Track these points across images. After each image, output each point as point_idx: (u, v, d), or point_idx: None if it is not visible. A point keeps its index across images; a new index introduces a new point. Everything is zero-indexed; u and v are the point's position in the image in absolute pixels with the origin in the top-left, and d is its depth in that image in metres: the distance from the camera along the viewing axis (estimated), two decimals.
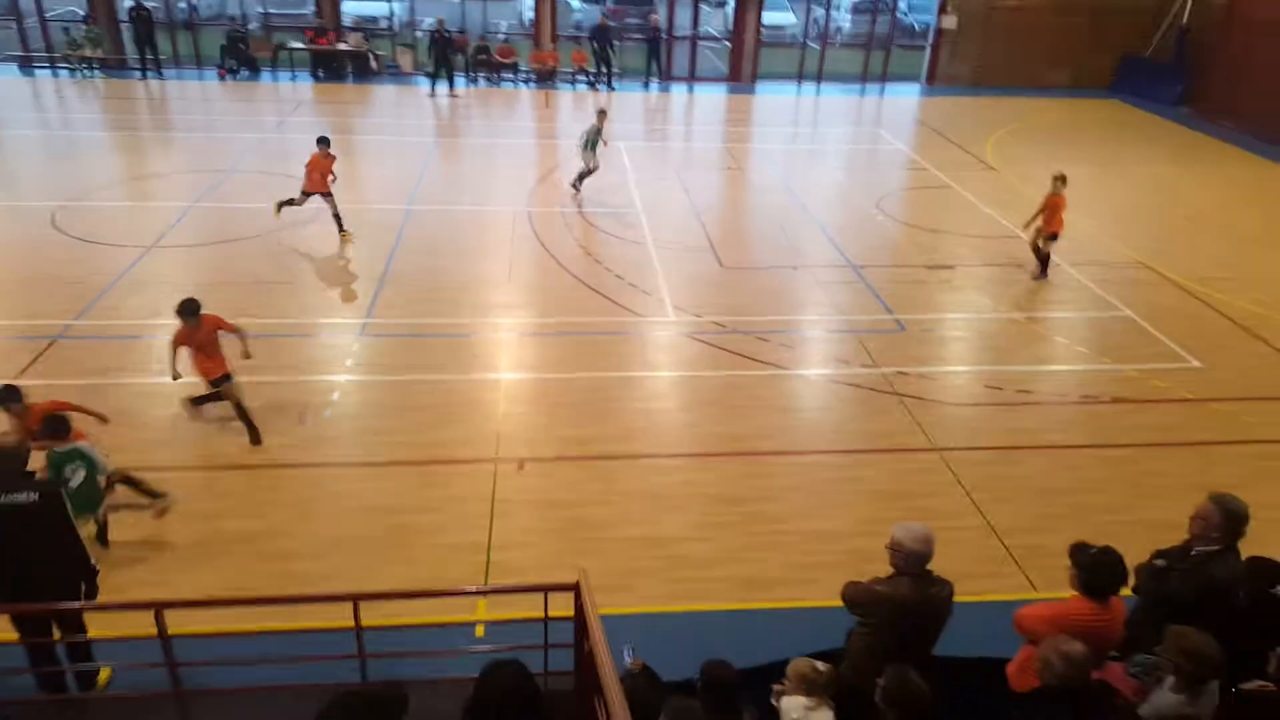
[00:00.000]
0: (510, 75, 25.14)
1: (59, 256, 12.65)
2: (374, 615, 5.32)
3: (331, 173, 13.48)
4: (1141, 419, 9.69)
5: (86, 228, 13.62)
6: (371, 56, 24.50)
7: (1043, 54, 26.55)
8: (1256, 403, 10.07)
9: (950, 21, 26.20)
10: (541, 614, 5.17)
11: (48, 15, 25.01)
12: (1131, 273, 13.56)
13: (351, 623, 5.08)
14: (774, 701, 4.80)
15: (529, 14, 27.38)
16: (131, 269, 12.41)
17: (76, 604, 5.51)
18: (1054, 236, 12.95)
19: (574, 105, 23.65)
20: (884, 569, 4.91)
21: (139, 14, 23.27)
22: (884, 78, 27.10)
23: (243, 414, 8.78)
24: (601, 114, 15.81)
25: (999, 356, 11.01)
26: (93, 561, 5.59)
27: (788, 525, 7.87)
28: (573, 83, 25.20)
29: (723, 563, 7.44)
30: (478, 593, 7.08)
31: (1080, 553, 4.86)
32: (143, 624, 5.03)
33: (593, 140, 15.47)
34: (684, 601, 7.02)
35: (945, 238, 14.78)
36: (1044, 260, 13.16)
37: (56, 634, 5.68)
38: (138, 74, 23.72)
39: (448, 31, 23.52)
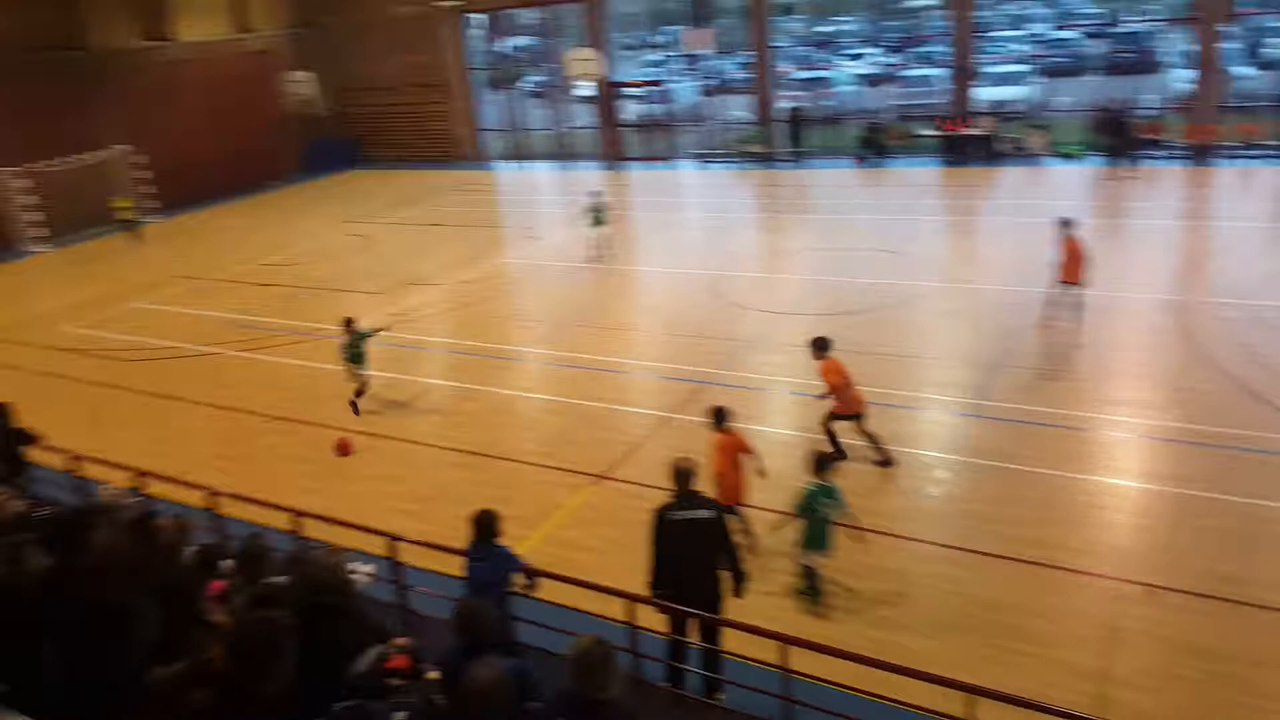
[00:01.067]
0: (1157, 152, 22.62)
1: (713, 317, 14.63)
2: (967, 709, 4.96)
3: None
4: None
5: (739, 294, 15.49)
6: (1002, 139, 24.18)
7: None
8: None
9: None
10: None
11: (722, 119, 29.69)
12: None
13: (950, 710, 4.78)
14: None
15: (1179, 86, 24.55)
16: (764, 332, 13.71)
17: (732, 621, 6.13)
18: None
19: (1239, 184, 20.49)
20: None
21: (795, 114, 26.47)
22: None
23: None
24: None
25: None
26: (744, 575, 6.33)
27: None
28: (1237, 158, 21.80)
29: None
30: None
31: None
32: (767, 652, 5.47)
33: None
34: None
35: None
36: None
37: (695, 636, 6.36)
38: (785, 164, 26.78)
39: (1123, 109, 22.51)
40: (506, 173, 30.49)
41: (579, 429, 11.20)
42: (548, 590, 6.20)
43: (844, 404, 9.48)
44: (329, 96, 31.72)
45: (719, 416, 8.00)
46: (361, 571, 5.43)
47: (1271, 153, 21.64)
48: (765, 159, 27.26)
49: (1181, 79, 25.12)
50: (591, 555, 8.36)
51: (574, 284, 17.26)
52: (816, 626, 7.29)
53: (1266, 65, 29.03)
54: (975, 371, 11.76)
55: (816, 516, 7.15)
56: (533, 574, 6.08)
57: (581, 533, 8.90)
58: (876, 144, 25.74)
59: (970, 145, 24.37)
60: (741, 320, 14.29)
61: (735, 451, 7.96)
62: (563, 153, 31.11)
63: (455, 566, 6.12)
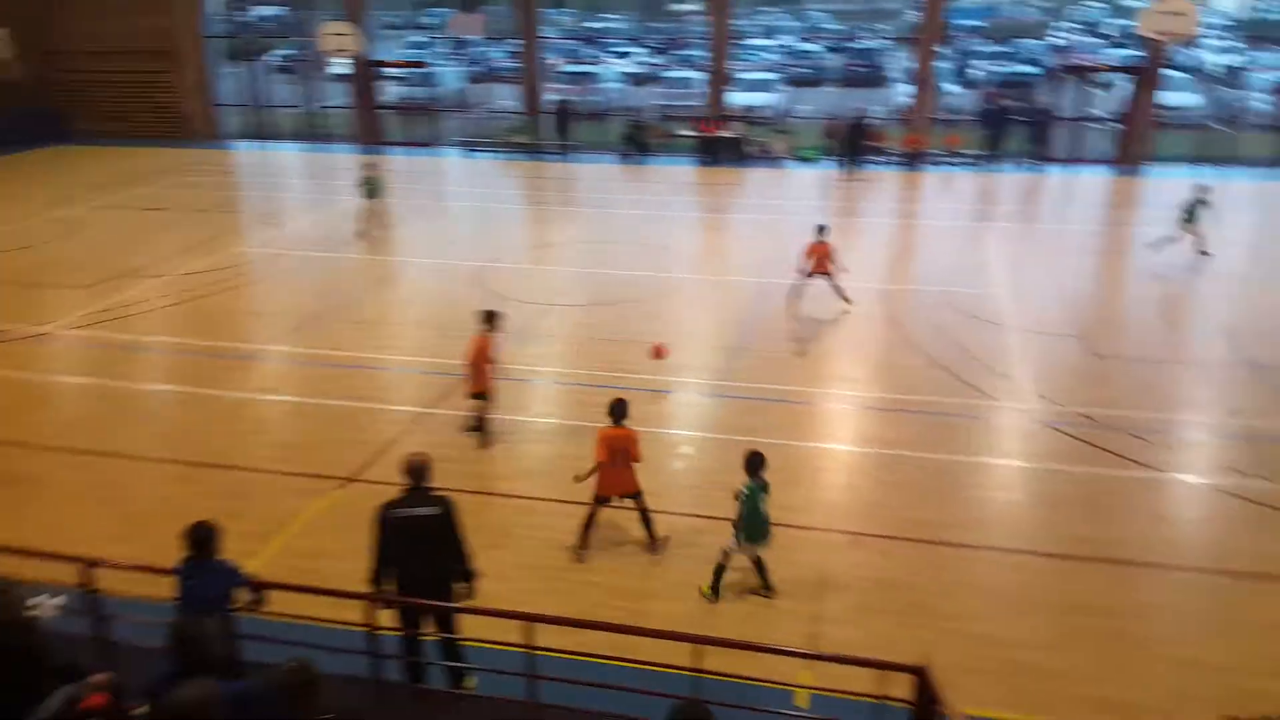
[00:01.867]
0: (878, 158, 25.27)
1: (473, 309, 14.66)
2: (705, 661, 5.54)
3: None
4: None
5: (500, 285, 15.67)
6: (750, 142, 25.97)
7: None
8: None
9: None
10: (871, 693, 5.06)
11: (488, 108, 29.66)
12: None
13: (686, 664, 5.32)
14: None
15: (900, 99, 27.49)
16: (530, 322, 14.08)
17: (475, 608, 6.26)
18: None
19: (942, 186, 23.26)
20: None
21: (562, 107, 26.89)
22: None
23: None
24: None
25: None
26: (471, 574, 6.35)
27: (1156, 650, 6.99)
28: (942, 164, 24.78)
29: (1076, 679, 6.76)
30: (813, 656, 7.03)
31: None
32: (504, 633, 5.63)
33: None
34: (1026, 712, 6.48)
35: None
36: None
37: (433, 631, 6.44)
38: (551, 156, 27.25)
39: (863, 119, 24.63)
40: (246, 153, 28.68)
41: (325, 431, 10.84)
42: (282, 603, 5.89)
43: (476, 382, 10.04)
44: (28, 58, 28.22)
45: (618, 411, 8.08)
46: (47, 606, 5.05)
47: (970, 161, 24.72)
48: (531, 150, 27.56)
49: (903, 92, 28.04)
50: (337, 562, 8.08)
51: (323, 274, 16.71)
52: (559, 602, 7.69)
53: (970, 84, 32.95)
54: (720, 355, 12.76)
55: (759, 514, 7.56)
56: (258, 587, 5.74)
57: (325, 540, 8.58)
58: (639, 141, 26.80)
59: (723, 147, 25.99)
60: (504, 311, 14.52)
61: (623, 446, 8.05)
62: (313, 133, 29.87)
63: (170, 589, 5.64)
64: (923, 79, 25.31)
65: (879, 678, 5.05)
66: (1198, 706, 6.36)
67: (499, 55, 42.76)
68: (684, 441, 10.41)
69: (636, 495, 8.24)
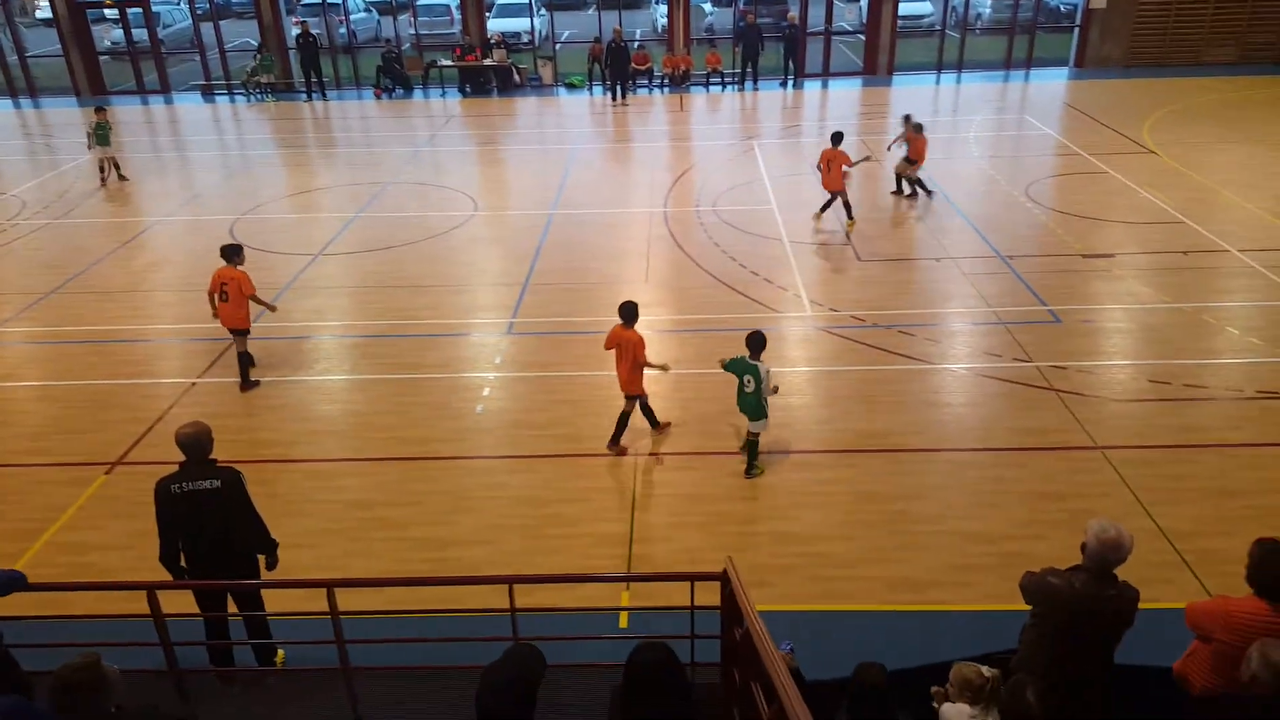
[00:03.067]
0: (644, 81, 25.42)
1: None
2: (525, 601, 5.49)
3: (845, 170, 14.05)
4: None
5: (262, 238, 14.59)
6: (515, 70, 25.30)
7: (1201, 31, 24.90)
8: None
9: (1100, 1, 24.83)
10: (686, 605, 5.19)
11: (226, 46, 27.02)
12: None
13: (506, 606, 5.25)
14: (935, 705, 4.66)
15: (662, 20, 27.62)
16: (300, 275, 13.22)
17: (254, 582, 5.92)
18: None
19: (707, 107, 23.70)
20: None
21: (304, 40, 24.83)
22: (1029, 63, 25.96)
23: None
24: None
25: (1165, 350, 10.35)
26: (270, 535, 5.95)
27: (938, 525, 7.64)
28: (706, 85, 25.25)
29: (870, 562, 7.29)
30: (623, 579, 7.18)
31: (1259, 547, 4.52)
32: (315, 603, 5.32)
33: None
34: (829, 601, 6.92)
35: (1101, 225, 14.02)
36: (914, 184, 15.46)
37: (235, 609, 6.05)
38: (304, 96, 25.31)
39: (623, 42, 24.07)
40: None
41: (83, 415, 9.78)
42: (57, 604, 5.42)
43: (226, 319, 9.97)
44: None
45: (629, 314, 8.48)
46: None
47: (731, 80, 25.35)
48: (278, 90, 25.63)
49: (662, 14, 28.18)
50: (114, 554, 7.55)
51: (57, 243, 14.89)
52: (368, 564, 7.44)
53: (725, 3, 33.61)
54: (508, 290, 12.50)
55: (741, 387, 8.09)
56: (17, 588, 5.09)
57: (97, 532, 7.87)
58: (397, 74, 25.49)
59: (487, 76, 25.20)
60: (271, 266, 13.53)
61: (635, 350, 8.42)
62: (17, 86, 26.38)
63: None
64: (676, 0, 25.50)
65: (690, 587, 5.16)
66: (978, 575, 7.01)
67: None
68: (483, 383, 10.16)
69: (641, 398, 8.79)
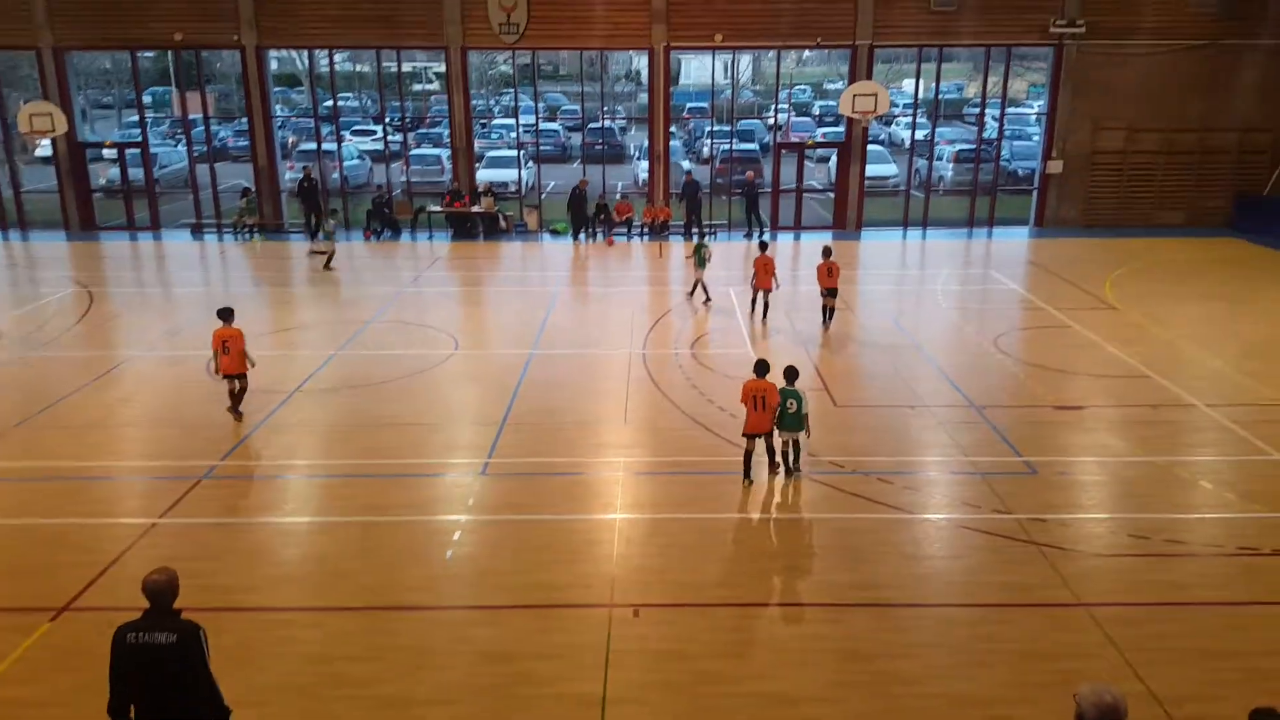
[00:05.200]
0: (624, 230, 26.23)
1: (211, 402, 13.40)
2: None
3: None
4: None
5: None
6: (501, 217, 26.11)
7: (1154, 195, 26.31)
8: None
9: (1056, 166, 26.24)
10: None
11: (219, 187, 27.77)
12: (1276, 413, 12.73)
13: None
14: None
15: (644, 175, 28.81)
16: (275, 413, 13.07)
17: None
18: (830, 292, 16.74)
19: (684, 255, 24.39)
20: None
21: (306, 184, 25.73)
22: (991, 222, 27.11)
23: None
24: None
25: (1141, 503, 10.34)
26: (224, 703, 5.61)
27: (925, 688, 7.34)
28: (685, 234, 26.07)
29: None
30: None
31: (1259, 718, 4.38)
32: None
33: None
34: None
35: (1071, 377, 14.28)
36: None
37: None
38: (294, 237, 25.85)
39: (584, 190, 25.62)
40: None
41: (31, 555, 9.31)
42: None
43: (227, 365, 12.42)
44: None
45: (761, 369, 10.61)
46: None
47: (710, 230, 26.22)
48: (270, 230, 26.21)
49: (643, 169, 29.38)
50: (55, 711, 7.06)
51: (29, 376, 14.73)
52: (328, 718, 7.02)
53: (702, 160, 35.14)
54: (485, 430, 12.39)
55: (784, 408, 10.49)
56: None
57: (36, 687, 7.32)
58: (387, 218, 26.19)
59: (474, 222, 25.98)
60: (246, 402, 13.38)
61: (760, 395, 10.42)
62: (9, 220, 26.83)
63: None
64: (656, 155, 26.67)
65: None
66: None
67: (229, 134, 40.47)
68: (454, 527, 9.91)
69: (769, 434, 10.67)
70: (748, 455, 10.67)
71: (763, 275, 17.08)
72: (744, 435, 10.65)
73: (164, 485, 10.84)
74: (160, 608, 5.41)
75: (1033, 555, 9.21)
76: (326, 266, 21.96)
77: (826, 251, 16.84)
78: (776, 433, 10.65)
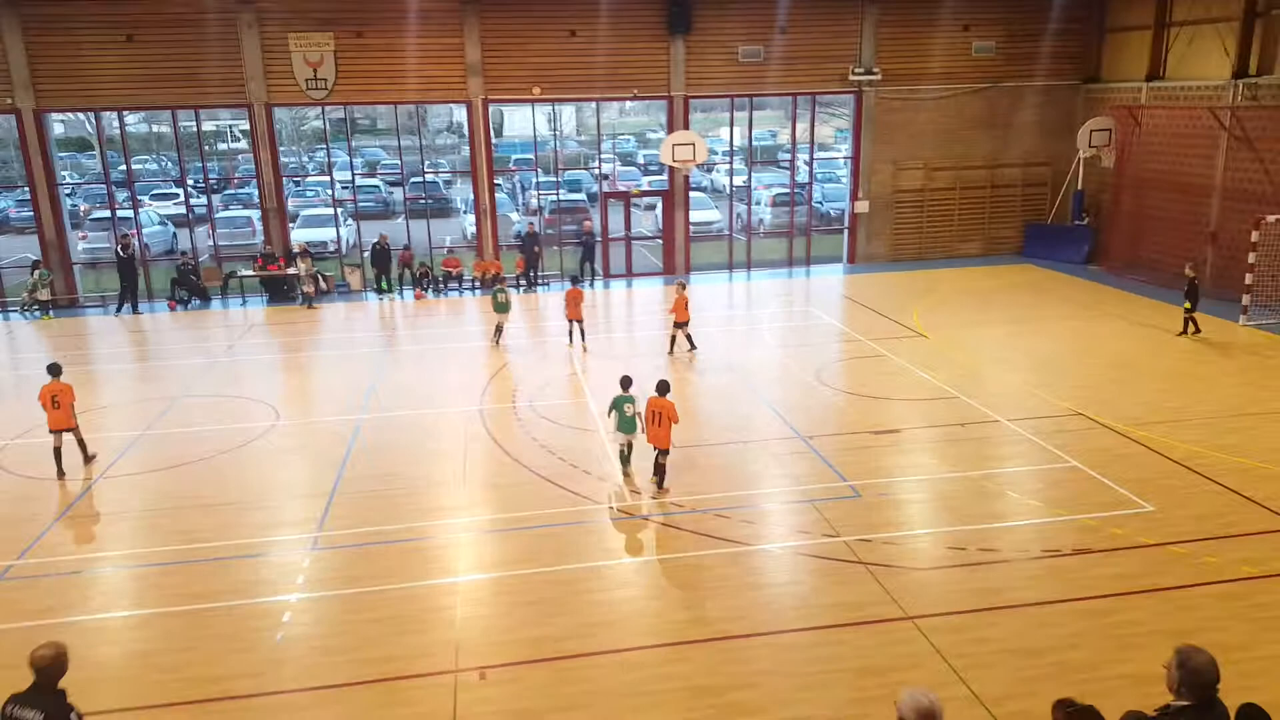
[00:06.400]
0: (455, 284, 25.95)
1: (3, 496, 12.25)
2: None
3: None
4: (1106, 569, 9.72)
5: (32, 465, 13.28)
6: (320, 278, 25.10)
7: (952, 228, 28.55)
8: (1214, 542, 10.19)
9: (863, 206, 28.05)
10: None
11: (1, 262, 25.42)
12: (1068, 422, 13.98)
13: None
14: None
15: (471, 229, 28.63)
16: (75, 503, 12.05)
17: None
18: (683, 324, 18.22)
19: (520, 306, 24.34)
20: None
21: (124, 254, 23.70)
22: (808, 261, 28.59)
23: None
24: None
25: (957, 516, 11.08)
26: None
27: (769, 715, 7.54)
28: (517, 287, 26.03)
29: None
30: None
31: (1059, 709, 4.74)
32: None
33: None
34: None
35: (886, 403, 15.18)
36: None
37: None
38: (90, 311, 24.00)
39: (389, 245, 25.20)
40: None
41: None
42: None
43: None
44: None
45: (662, 388, 11.91)
46: None
47: (541, 282, 26.34)
48: (62, 305, 24.24)
49: (471, 222, 29.22)
50: None
51: None
52: None
53: (531, 211, 35.38)
54: (313, 503, 11.85)
55: (622, 412, 11.91)
56: None
57: None
58: (192, 285, 24.78)
59: (291, 284, 24.95)
60: (39, 495, 12.28)
61: (664, 412, 11.58)
62: None
63: None
64: (482, 209, 26.63)
65: None
66: None
67: (11, 204, 37.38)
68: (284, 607, 9.38)
69: (666, 451, 11.77)
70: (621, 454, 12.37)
71: (573, 306, 19.03)
72: (649, 443, 11.86)
73: None
74: (42, 684, 5.45)
75: (861, 575, 9.66)
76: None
77: (681, 286, 18.85)
78: (612, 434, 12.30)
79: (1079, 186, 27.37)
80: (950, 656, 8.21)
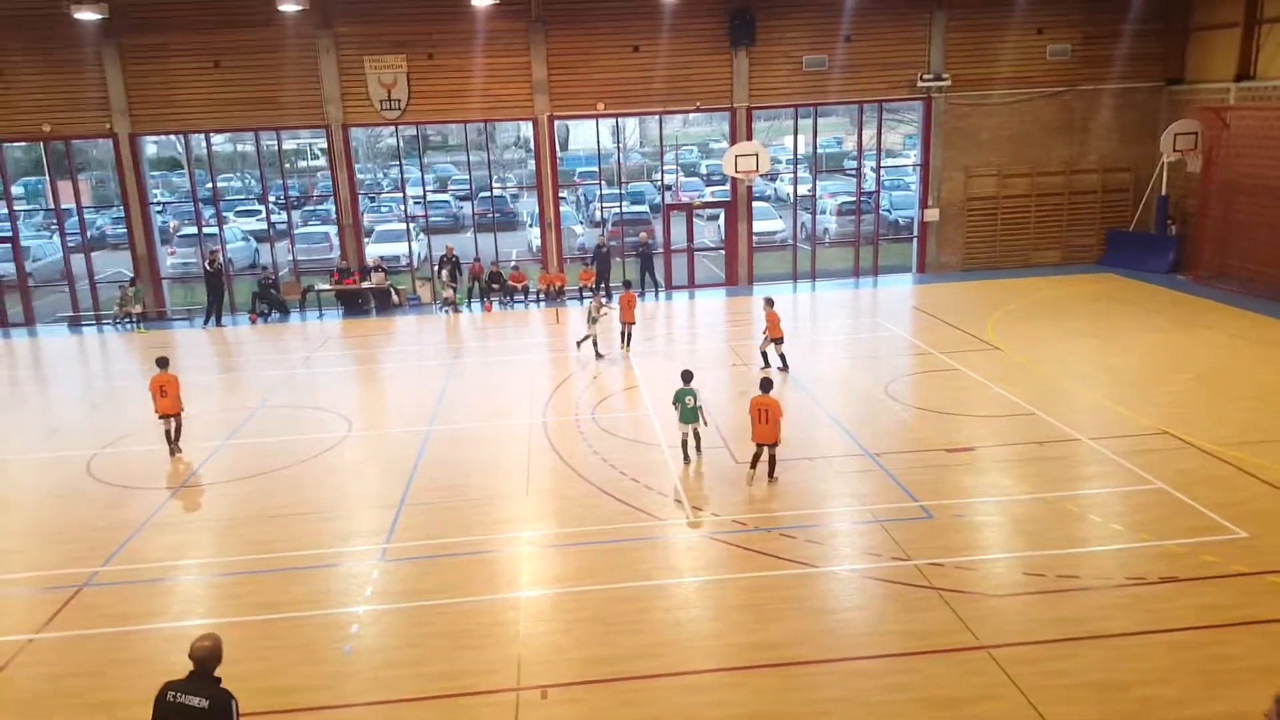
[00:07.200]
0: (521, 297, 26.21)
1: (92, 504, 12.71)
2: None
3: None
4: (1195, 598, 9.25)
5: (121, 473, 13.77)
6: (393, 291, 25.73)
7: (1028, 236, 27.75)
8: None
9: (933, 215, 27.47)
10: None
11: (96, 277, 26.56)
12: (1153, 441, 13.40)
13: None
14: None
15: (536, 241, 28.91)
16: (159, 511, 12.42)
17: None
18: (779, 340, 17.73)
19: (581, 319, 24.42)
20: None
21: (212, 269, 24.73)
22: (875, 271, 28.09)
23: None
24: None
25: (1034, 541, 10.68)
26: None
27: None
28: (580, 299, 26.16)
29: None
30: None
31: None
32: None
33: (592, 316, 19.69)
34: None
35: (959, 420, 14.76)
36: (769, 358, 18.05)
37: None
38: (178, 324, 24.93)
39: (456, 256, 25.72)
40: None
41: None
42: None
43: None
44: None
45: (765, 386, 12.58)
46: None
47: (607, 294, 26.39)
48: (152, 318, 25.18)
49: (536, 236, 29.49)
50: None
51: None
52: None
53: (595, 224, 35.55)
54: (382, 514, 12.01)
55: (684, 404, 12.81)
56: None
57: None
58: (273, 299, 25.50)
59: (365, 298, 25.55)
60: (125, 502, 12.70)
61: (769, 410, 12.04)
62: None
63: None
64: (547, 222, 26.84)
65: None
66: None
67: (106, 221, 38.92)
68: (352, 619, 9.51)
69: (775, 444, 12.26)
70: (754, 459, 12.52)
71: (626, 310, 19.97)
72: (753, 441, 12.31)
73: (44, 597, 10.12)
74: (200, 673, 5.86)
75: (933, 600, 9.37)
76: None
77: (768, 302, 18.43)
78: (680, 425, 13.06)
79: (1163, 192, 26.35)
80: (1028, 689, 7.88)
